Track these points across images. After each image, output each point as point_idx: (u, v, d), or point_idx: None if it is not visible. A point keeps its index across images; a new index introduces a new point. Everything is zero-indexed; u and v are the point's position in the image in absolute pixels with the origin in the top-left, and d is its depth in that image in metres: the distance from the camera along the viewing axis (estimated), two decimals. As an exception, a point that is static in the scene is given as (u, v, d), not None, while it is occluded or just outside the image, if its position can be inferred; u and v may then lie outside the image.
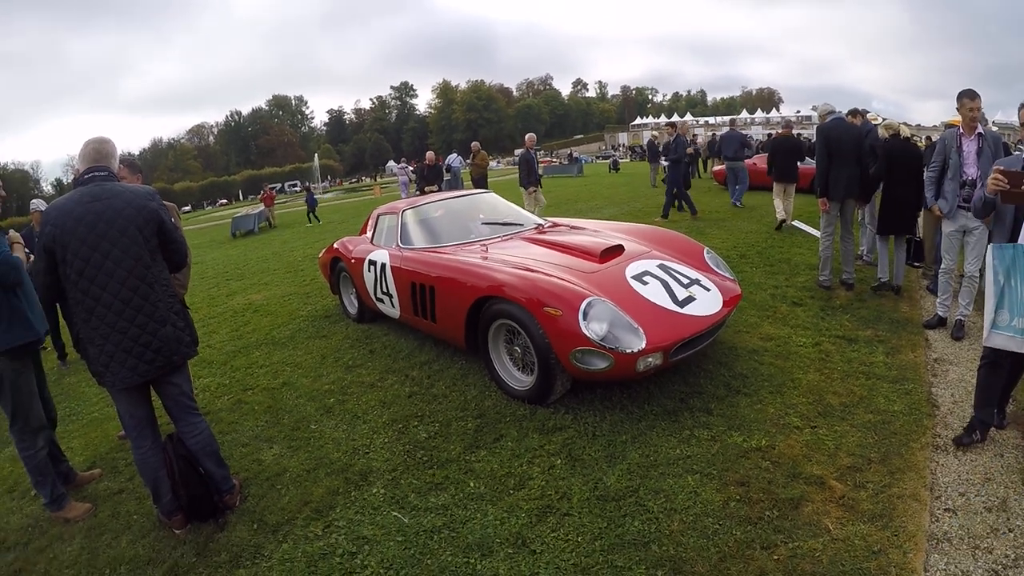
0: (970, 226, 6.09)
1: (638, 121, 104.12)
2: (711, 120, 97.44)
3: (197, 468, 4.01)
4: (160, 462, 3.92)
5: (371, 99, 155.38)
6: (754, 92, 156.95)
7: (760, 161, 17.57)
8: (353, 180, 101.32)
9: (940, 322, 6.40)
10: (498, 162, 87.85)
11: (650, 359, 4.52)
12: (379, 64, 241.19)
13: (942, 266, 6.54)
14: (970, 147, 6.06)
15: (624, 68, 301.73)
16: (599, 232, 6.65)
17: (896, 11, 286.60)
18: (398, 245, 6.88)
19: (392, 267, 6.66)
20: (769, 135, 17.07)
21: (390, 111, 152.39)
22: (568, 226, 7.17)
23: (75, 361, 8.09)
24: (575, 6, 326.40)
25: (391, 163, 70.46)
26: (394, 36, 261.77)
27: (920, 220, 8.44)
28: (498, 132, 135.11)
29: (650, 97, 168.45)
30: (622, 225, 7.30)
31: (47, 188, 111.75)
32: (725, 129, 19.49)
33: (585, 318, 4.50)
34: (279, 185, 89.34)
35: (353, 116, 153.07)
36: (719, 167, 21.92)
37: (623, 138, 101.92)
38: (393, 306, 6.80)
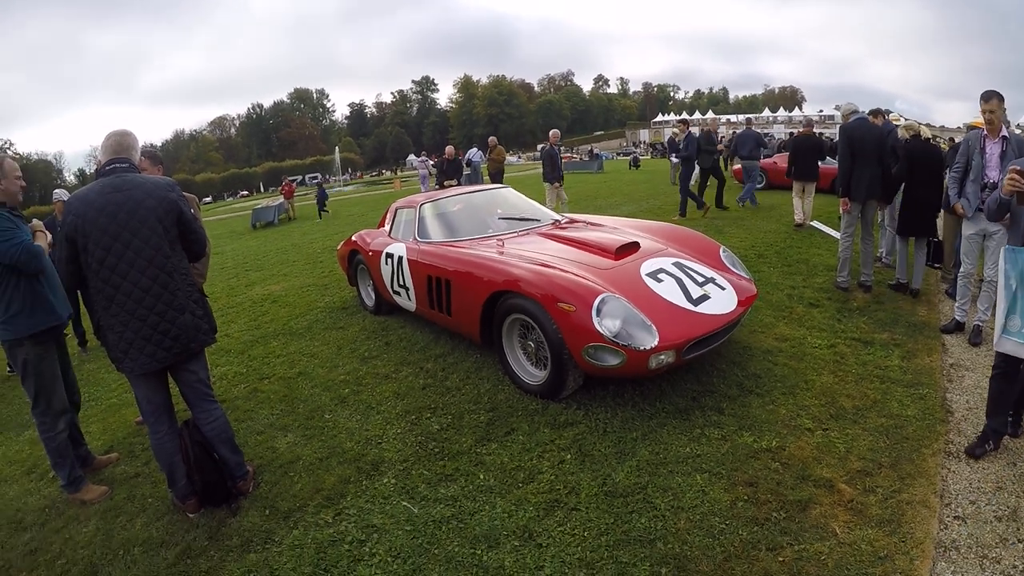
0: (990, 230, 5.99)
1: (659, 118, 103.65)
2: (732, 118, 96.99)
3: (212, 454, 4.08)
4: (176, 447, 3.99)
5: (392, 93, 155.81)
6: (776, 90, 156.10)
7: (781, 160, 17.51)
8: (374, 173, 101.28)
9: (958, 327, 6.35)
10: (519, 157, 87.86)
11: (663, 357, 4.53)
12: (400, 58, 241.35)
13: (961, 270, 6.48)
14: (993, 149, 5.96)
15: (646, 65, 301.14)
16: (615, 229, 6.67)
17: (919, 9, 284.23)
18: (415, 238, 6.91)
19: (409, 260, 6.70)
20: (791, 134, 16.99)
21: (411, 105, 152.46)
22: (585, 222, 7.19)
23: (95, 348, 8.21)
24: (597, 2, 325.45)
25: (411, 157, 70.61)
26: (415, 30, 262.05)
27: (940, 222, 8.39)
28: (519, 128, 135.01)
29: (672, 94, 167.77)
30: (639, 222, 7.30)
31: (70, 178, 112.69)
32: (742, 128, 19.40)
33: (598, 314, 4.52)
34: (299, 177, 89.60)
35: (374, 110, 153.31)
36: (737, 166, 21.87)
37: (644, 135, 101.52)
38: (409, 299, 6.85)
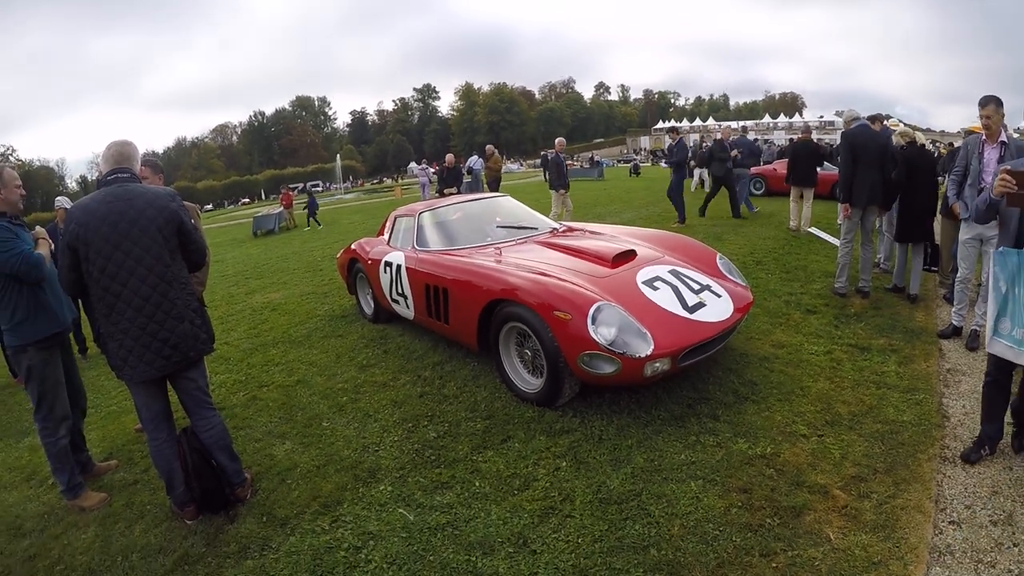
0: (987, 235, 6.02)
1: (660, 125, 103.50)
2: (733, 125, 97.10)
3: (210, 461, 4.10)
4: (174, 454, 4.02)
5: (394, 100, 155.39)
6: (777, 96, 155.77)
7: (781, 167, 17.56)
8: (375, 181, 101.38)
9: (955, 331, 6.37)
10: (520, 164, 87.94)
11: (658, 364, 4.56)
12: (402, 66, 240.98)
13: (958, 275, 6.50)
14: (991, 154, 5.95)
15: (647, 71, 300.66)
16: (613, 237, 6.71)
17: (919, 15, 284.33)
18: (414, 247, 6.95)
19: (407, 269, 6.73)
20: (791, 140, 17.02)
21: (412, 113, 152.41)
22: (583, 230, 7.23)
23: (95, 356, 8.23)
24: (598, 9, 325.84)
25: (412, 164, 70.69)
26: (417, 38, 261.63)
27: (938, 227, 8.42)
28: (520, 135, 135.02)
29: (672, 101, 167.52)
30: (637, 230, 7.32)
31: (72, 185, 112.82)
32: (737, 135, 19.49)
33: (594, 322, 4.55)
34: (300, 185, 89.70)
35: (376, 117, 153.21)
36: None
37: (645, 142, 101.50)
38: (408, 307, 6.87)
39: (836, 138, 17.45)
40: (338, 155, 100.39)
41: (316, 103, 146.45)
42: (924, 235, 7.69)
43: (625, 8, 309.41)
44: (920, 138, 8.18)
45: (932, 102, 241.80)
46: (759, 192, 19.60)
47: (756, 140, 19.24)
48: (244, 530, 3.94)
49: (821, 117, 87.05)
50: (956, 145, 10.39)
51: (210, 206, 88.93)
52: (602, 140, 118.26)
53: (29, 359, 4.26)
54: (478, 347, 5.78)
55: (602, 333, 4.52)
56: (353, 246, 8.54)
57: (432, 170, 28.67)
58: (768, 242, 11.71)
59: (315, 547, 3.69)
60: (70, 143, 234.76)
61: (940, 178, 10.96)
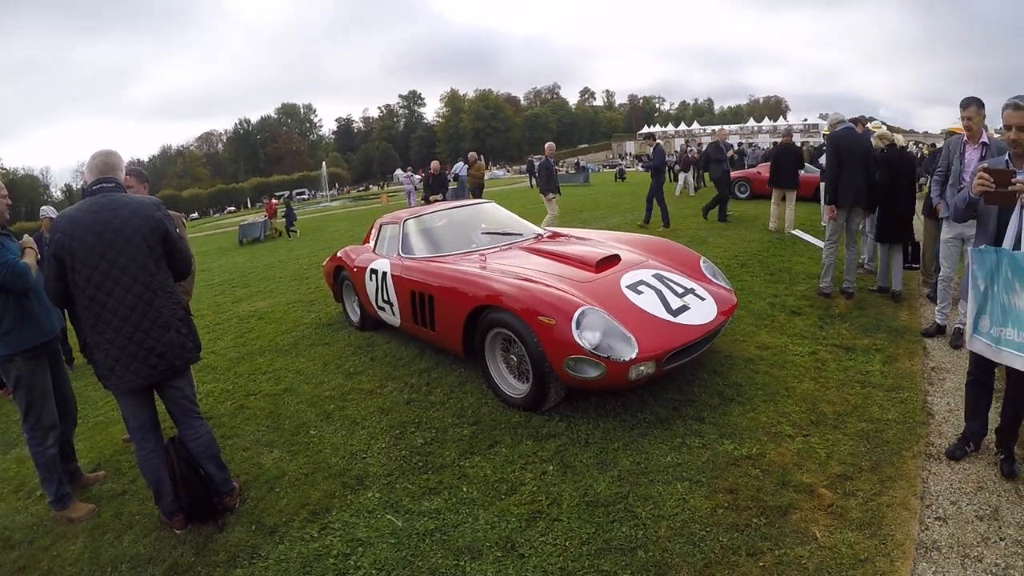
0: (968, 234, 6.04)
1: (645, 130, 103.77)
2: (718, 128, 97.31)
3: (198, 470, 4.10)
4: (162, 464, 4.02)
5: (379, 107, 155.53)
6: (761, 100, 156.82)
7: (765, 170, 17.68)
8: (360, 188, 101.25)
9: (939, 330, 6.42)
10: (506, 171, 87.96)
11: (642, 368, 4.59)
12: (387, 73, 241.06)
13: (940, 274, 6.57)
14: (972, 155, 6.01)
15: (631, 77, 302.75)
16: (597, 242, 6.74)
17: (902, 18, 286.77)
18: (399, 254, 6.97)
19: (393, 276, 6.74)
20: (775, 143, 17.15)
21: (398, 119, 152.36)
22: (567, 236, 7.26)
23: (81, 366, 8.20)
24: (583, 16, 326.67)
25: (398, 171, 70.61)
26: (402, 45, 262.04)
27: (920, 227, 8.50)
28: (505, 141, 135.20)
29: (657, 106, 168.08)
30: (621, 235, 7.38)
31: (56, 194, 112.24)
32: (710, 138, 19.64)
33: (578, 327, 4.57)
34: (287, 193, 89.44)
35: (361, 124, 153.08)
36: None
37: (630, 147, 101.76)
38: (394, 314, 6.88)
39: (819, 140, 17.49)
40: (324, 162, 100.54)
41: (302, 110, 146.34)
42: (905, 235, 7.76)
43: (610, 14, 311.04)
44: (899, 140, 8.25)
45: (915, 104, 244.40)
46: (744, 195, 19.67)
47: (740, 143, 19.36)
48: (233, 539, 3.94)
49: (805, 120, 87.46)
50: (939, 146, 10.47)
51: (195, 215, 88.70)
52: (587, 145, 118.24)
53: (17, 369, 4.25)
54: (464, 353, 5.79)
55: (586, 337, 4.54)
56: (339, 254, 8.54)
57: (418, 177, 28.61)
58: (752, 245, 11.76)
59: (304, 555, 3.69)
60: (54, 152, 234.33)
61: (923, 179, 11.04)
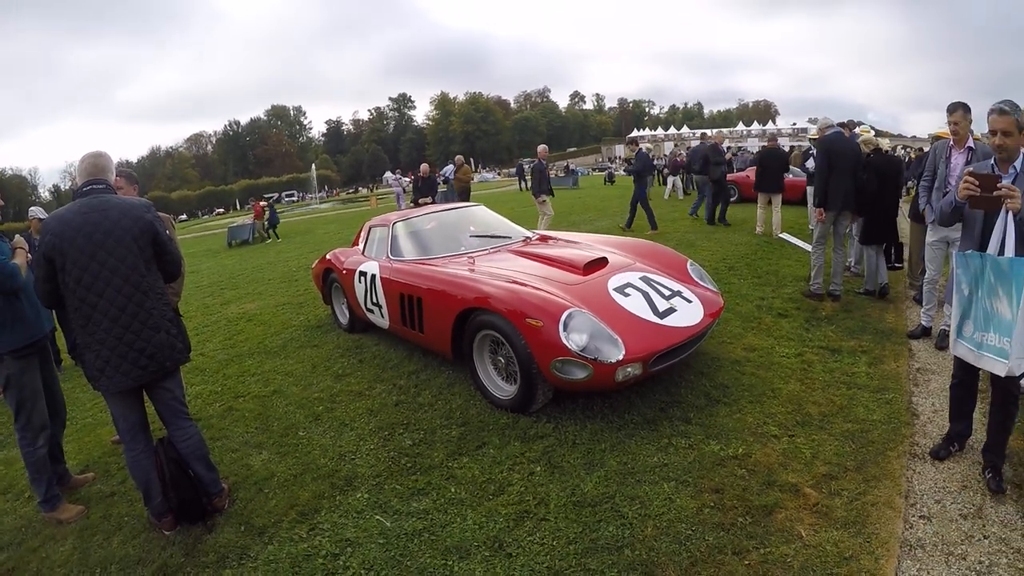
0: (952, 237, 6.09)
1: (635, 133, 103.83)
2: (708, 132, 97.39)
3: (187, 471, 4.10)
4: (151, 465, 4.01)
5: (369, 110, 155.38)
6: (751, 104, 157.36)
7: (753, 174, 17.77)
8: (350, 191, 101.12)
9: (924, 332, 6.48)
10: (496, 174, 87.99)
11: (629, 369, 4.62)
12: (377, 75, 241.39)
13: (926, 276, 6.62)
14: (958, 159, 6.05)
15: (621, 81, 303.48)
16: (585, 245, 6.77)
17: (891, 22, 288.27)
18: (388, 257, 6.99)
19: (382, 278, 6.76)
20: (763, 147, 17.18)
21: (388, 122, 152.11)
22: (556, 239, 7.30)
23: (69, 367, 8.16)
24: (573, 19, 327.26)
25: (388, 174, 70.52)
26: (393, 47, 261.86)
27: (907, 230, 8.56)
28: (495, 144, 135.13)
29: (647, 110, 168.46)
30: (610, 238, 7.41)
31: (44, 194, 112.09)
32: (696, 142, 19.71)
33: (565, 329, 4.61)
34: (275, 195, 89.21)
35: (351, 127, 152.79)
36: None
37: (619, 150, 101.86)
38: (383, 316, 6.89)
39: (805, 144, 17.55)
40: (313, 165, 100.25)
41: (291, 113, 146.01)
42: (890, 237, 7.85)
43: (600, 18, 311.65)
44: (883, 144, 8.33)
45: (904, 108, 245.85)
46: (733, 199, 19.72)
47: (728, 147, 19.44)
48: (222, 540, 3.94)
49: (794, 124, 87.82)
50: (926, 150, 10.57)
51: (184, 216, 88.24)
52: (575, 149, 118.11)
53: (7, 368, 4.25)
54: (453, 355, 5.81)
55: (574, 339, 4.58)
56: (328, 256, 8.55)
57: (407, 180, 28.58)
58: (740, 248, 11.83)
59: (293, 555, 3.71)
60: (43, 152, 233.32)
61: (910, 183, 11.12)
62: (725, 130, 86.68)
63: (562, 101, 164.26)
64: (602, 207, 22.88)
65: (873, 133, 9.43)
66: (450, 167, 22.75)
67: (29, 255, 4.50)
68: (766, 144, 14.45)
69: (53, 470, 4.57)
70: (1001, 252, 3.62)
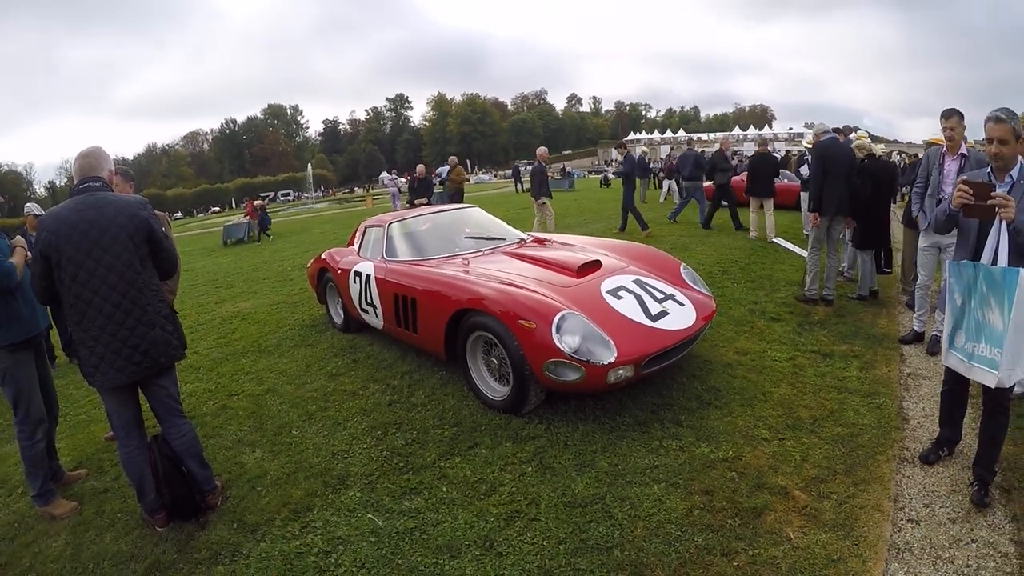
0: (944, 242, 6.13)
1: (631, 136, 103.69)
2: (704, 136, 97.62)
3: (181, 468, 4.12)
4: (145, 461, 4.04)
5: (366, 110, 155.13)
6: (747, 109, 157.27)
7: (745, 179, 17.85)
8: (346, 191, 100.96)
9: (917, 337, 6.49)
10: (492, 175, 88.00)
11: (621, 371, 4.65)
12: (375, 75, 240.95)
13: (919, 282, 6.64)
14: (951, 166, 6.07)
15: (618, 84, 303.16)
16: (579, 248, 6.80)
17: (888, 30, 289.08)
18: (383, 257, 7.01)
19: (377, 279, 6.77)
20: (754, 152, 17.19)
21: (385, 122, 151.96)
22: (550, 241, 7.33)
23: (63, 364, 8.17)
24: (572, 22, 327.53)
25: (384, 174, 70.44)
26: (390, 48, 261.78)
27: (900, 235, 8.62)
28: (492, 146, 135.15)
29: (644, 113, 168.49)
30: (604, 241, 7.44)
31: (40, 190, 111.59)
32: (682, 149, 19.78)
33: (558, 331, 4.63)
34: (271, 194, 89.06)
35: (348, 127, 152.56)
36: (708, 184, 22.15)
37: (615, 154, 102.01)
38: (377, 317, 6.91)
39: (801, 149, 17.61)
40: (309, 164, 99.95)
41: (288, 112, 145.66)
42: (883, 242, 7.90)
43: (598, 21, 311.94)
44: (876, 150, 8.38)
45: (899, 114, 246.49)
46: (727, 203, 19.77)
47: (703, 152, 19.47)
48: (215, 537, 3.96)
49: (790, 129, 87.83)
50: (921, 156, 10.62)
51: (180, 214, 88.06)
52: (570, 152, 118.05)
53: (1, 362, 4.28)
54: (446, 356, 5.83)
55: (566, 341, 4.60)
56: (323, 256, 8.57)
57: (403, 180, 28.53)
58: (734, 252, 11.86)
59: (285, 552, 3.72)
60: (39, 148, 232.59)
61: (904, 188, 11.18)
62: (720, 134, 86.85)
63: (559, 103, 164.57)
64: (597, 210, 22.89)
65: (868, 139, 9.46)
66: (446, 168, 22.72)
67: (28, 253, 4.52)
68: (757, 149, 14.50)
69: (47, 466, 4.59)
70: (994, 262, 3.59)
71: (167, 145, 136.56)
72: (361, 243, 7.84)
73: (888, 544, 3.42)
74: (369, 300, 6.97)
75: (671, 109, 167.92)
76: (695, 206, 16.55)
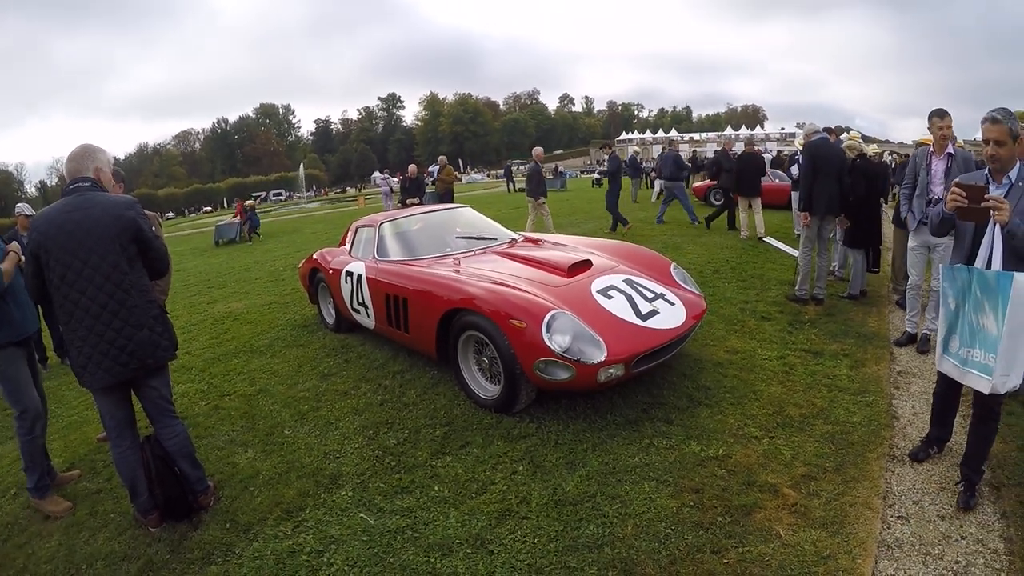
0: (933, 242, 6.18)
1: (623, 136, 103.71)
2: (696, 136, 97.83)
3: (173, 469, 4.12)
4: (138, 461, 4.03)
5: (358, 110, 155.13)
6: (739, 109, 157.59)
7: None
8: (338, 190, 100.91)
9: (910, 339, 6.50)
10: (484, 175, 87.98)
11: (611, 370, 4.67)
12: (367, 75, 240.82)
13: (909, 282, 6.65)
14: (939, 166, 6.11)
15: (611, 83, 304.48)
16: (570, 247, 6.82)
17: (879, 31, 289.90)
18: (375, 257, 7.02)
19: (368, 279, 6.78)
20: (742, 152, 17.27)
21: (377, 122, 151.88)
22: (541, 241, 7.35)
23: (55, 365, 8.15)
24: (564, 21, 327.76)
25: (376, 174, 70.35)
26: (382, 47, 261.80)
27: (891, 235, 8.66)
28: (484, 145, 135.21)
29: (636, 113, 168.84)
30: (594, 240, 7.46)
31: (31, 190, 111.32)
32: (660, 147, 19.90)
33: (548, 330, 4.65)
34: (263, 194, 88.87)
35: (340, 126, 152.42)
36: (699, 183, 22.26)
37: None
38: (368, 317, 6.92)
39: (794, 149, 17.66)
40: (302, 164, 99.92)
41: (280, 111, 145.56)
42: (874, 241, 7.94)
43: (591, 21, 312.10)
44: (867, 149, 8.42)
45: (891, 115, 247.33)
46: (719, 202, 19.84)
47: (716, 151, 19.60)
48: (208, 537, 3.96)
49: (782, 129, 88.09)
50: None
51: (171, 214, 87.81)
52: (561, 152, 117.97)
53: None
54: (437, 355, 5.85)
55: (557, 340, 4.62)
56: (315, 256, 8.56)
57: (395, 180, 28.45)
58: (726, 252, 11.90)
59: (278, 552, 3.73)
60: (30, 148, 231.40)
61: (896, 188, 11.25)
62: (713, 134, 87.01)
63: (551, 103, 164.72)
64: (589, 209, 22.88)
65: (862, 140, 9.50)
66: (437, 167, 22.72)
67: (22, 258, 4.53)
68: (744, 148, 14.58)
69: (46, 461, 4.61)
70: (989, 265, 3.57)
71: (158, 145, 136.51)
72: (353, 243, 7.84)
73: (877, 541, 3.44)
74: (361, 300, 6.97)
75: (663, 109, 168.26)
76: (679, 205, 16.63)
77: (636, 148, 30.30)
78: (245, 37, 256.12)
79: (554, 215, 16.01)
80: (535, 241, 7.36)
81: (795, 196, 11.22)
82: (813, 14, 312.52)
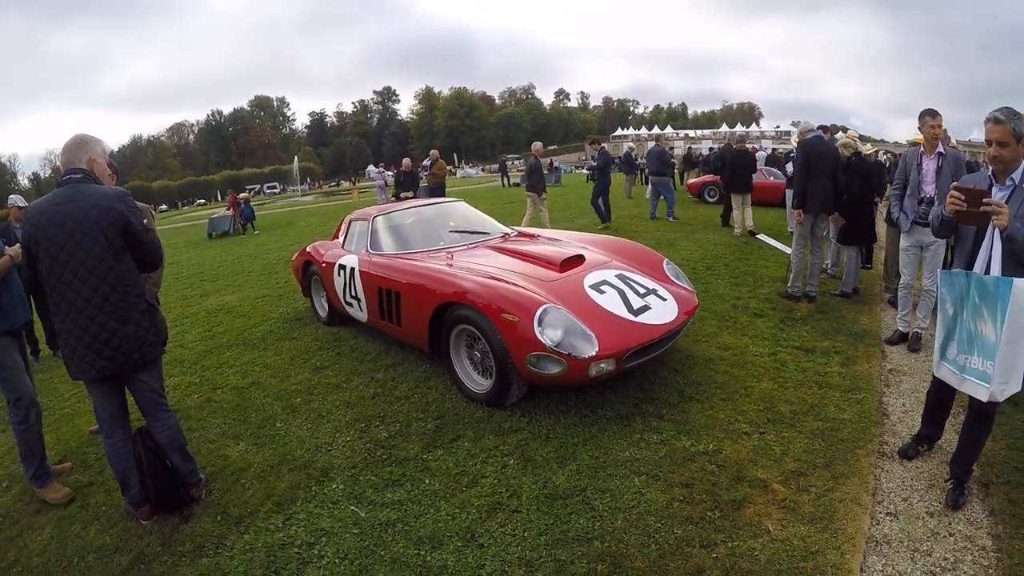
0: (926, 241, 6.22)
1: (619, 132, 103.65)
2: (691, 133, 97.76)
3: (164, 461, 4.12)
4: (129, 454, 4.04)
5: (353, 103, 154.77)
6: (735, 106, 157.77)
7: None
8: (332, 184, 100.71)
9: (902, 338, 6.50)
10: (479, 169, 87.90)
11: (602, 365, 4.68)
12: (362, 68, 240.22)
13: (901, 281, 6.69)
14: (929, 165, 6.15)
15: (606, 79, 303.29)
16: (563, 242, 6.84)
17: (876, 30, 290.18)
18: (368, 250, 7.02)
19: (361, 272, 6.78)
20: (733, 149, 17.30)
21: (372, 115, 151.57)
22: (534, 236, 7.36)
23: (47, 358, 8.14)
24: (560, 17, 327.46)
25: (370, 167, 70.11)
26: (378, 41, 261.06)
27: (883, 234, 8.69)
28: (479, 140, 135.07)
29: (631, 109, 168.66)
30: (588, 236, 7.48)
31: (24, 182, 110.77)
32: (652, 144, 19.93)
33: (540, 324, 4.66)
34: (257, 187, 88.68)
35: (335, 119, 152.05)
36: (693, 180, 22.28)
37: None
38: (361, 310, 6.93)
39: (784, 148, 17.65)
40: (296, 156, 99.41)
41: (275, 103, 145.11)
42: (868, 239, 7.98)
43: (587, 17, 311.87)
44: (863, 149, 8.45)
45: (887, 114, 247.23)
46: (713, 199, 19.89)
47: (711, 148, 19.70)
48: (199, 529, 3.97)
49: (778, 127, 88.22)
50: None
51: (165, 207, 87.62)
52: (556, 147, 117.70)
53: None
54: (430, 349, 5.84)
55: (548, 335, 4.63)
56: (308, 249, 8.56)
57: (390, 174, 28.37)
58: (719, 248, 11.91)
59: (269, 544, 3.74)
60: (23, 139, 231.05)
61: (889, 187, 11.31)
62: (708, 131, 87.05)
63: (547, 98, 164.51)
64: (583, 204, 22.76)
65: (858, 139, 9.55)
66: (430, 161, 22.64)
67: (16, 255, 4.53)
68: (735, 146, 14.62)
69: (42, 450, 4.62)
70: (988, 270, 3.53)
71: (152, 136, 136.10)
72: (346, 236, 7.84)
73: (866, 537, 3.46)
74: (353, 293, 6.97)
75: (659, 106, 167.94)
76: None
77: (631, 144, 30.26)
78: (240, 28, 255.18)
79: (549, 210, 16.06)
80: (528, 236, 7.36)
81: (789, 194, 11.25)
82: (811, 12, 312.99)
